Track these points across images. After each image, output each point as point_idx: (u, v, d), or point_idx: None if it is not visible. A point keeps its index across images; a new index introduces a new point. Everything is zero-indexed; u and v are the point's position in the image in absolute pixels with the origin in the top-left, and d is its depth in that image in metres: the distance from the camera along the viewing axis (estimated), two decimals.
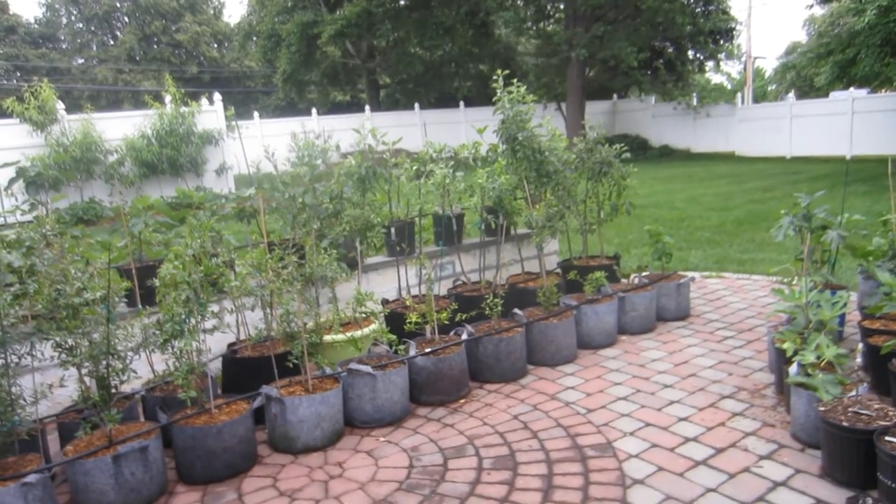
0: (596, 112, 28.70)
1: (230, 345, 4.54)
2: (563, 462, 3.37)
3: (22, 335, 3.42)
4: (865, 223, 5.13)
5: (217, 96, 16.49)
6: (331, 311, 4.49)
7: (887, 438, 2.75)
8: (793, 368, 3.46)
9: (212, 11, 45.19)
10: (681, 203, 13.00)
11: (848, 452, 2.92)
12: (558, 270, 6.23)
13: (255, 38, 32.30)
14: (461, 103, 26.55)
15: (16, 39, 41.87)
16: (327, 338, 4.31)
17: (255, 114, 24.61)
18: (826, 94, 27.31)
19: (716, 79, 38.49)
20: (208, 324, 3.81)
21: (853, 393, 3.15)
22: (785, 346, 3.55)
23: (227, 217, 5.44)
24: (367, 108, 25.91)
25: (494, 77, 5.38)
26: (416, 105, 26.22)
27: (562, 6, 25.87)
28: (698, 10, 26.23)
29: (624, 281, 5.85)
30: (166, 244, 5.45)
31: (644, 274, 5.95)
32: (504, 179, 5.27)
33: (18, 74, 41.11)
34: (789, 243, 7.43)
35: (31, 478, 3.03)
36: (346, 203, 4.70)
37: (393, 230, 5.21)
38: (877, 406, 3.07)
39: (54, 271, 3.47)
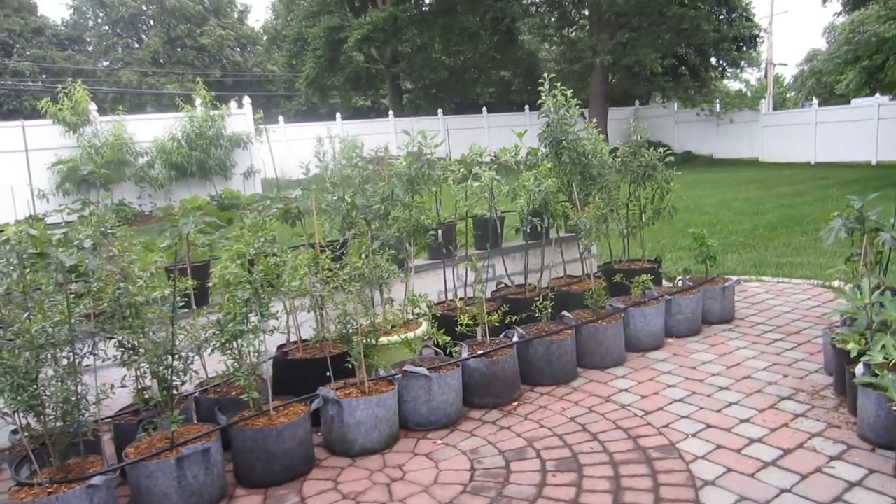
0: (618, 118, 28.63)
1: (280, 346, 4.57)
2: (628, 464, 3.35)
3: (86, 334, 3.46)
4: None
5: (246, 100, 16.64)
6: (386, 312, 4.50)
7: None
8: (859, 369, 3.42)
9: (236, 16, 45.70)
10: (711, 208, 12.92)
11: None
12: (600, 273, 6.21)
13: (279, 43, 32.54)
14: (484, 109, 26.57)
15: (42, 41, 42.60)
16: (382, 339, 4.33)
17: (280, 118, 24.78)
18: (847, 101, 27.03)
19: (734, 86, 38.25)
20: (268, 324, 3.84)
21: None
22: (849, 346, 3.52)
23: (272, 218, 5.49)
24: (391, 112, 26.01)
25: (541, 80, 5.40)
26: (440, 110, 26.28)
27: (586, 13, 25.86)
28: (722, 16, 26.11)
29: (667, 284, 5.82)
30: (211, 245, 5.53)
31: (688, 277, 5.92)
32: (550, 182, 5.27)
33: (44, 76, 41.79)
34: (828, 247, 7.36)
35: (96, 480, 3.02)
36: (397, 204, 4.72)
37: (440, 232, 5.23)
38: None
39: (116, 269, 3.51)
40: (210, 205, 5.90)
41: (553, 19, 25.52)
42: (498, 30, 25.95)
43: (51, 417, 3.24)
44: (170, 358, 3.51)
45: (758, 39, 28.01)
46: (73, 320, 3.31)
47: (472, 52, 26.41)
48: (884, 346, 3.33)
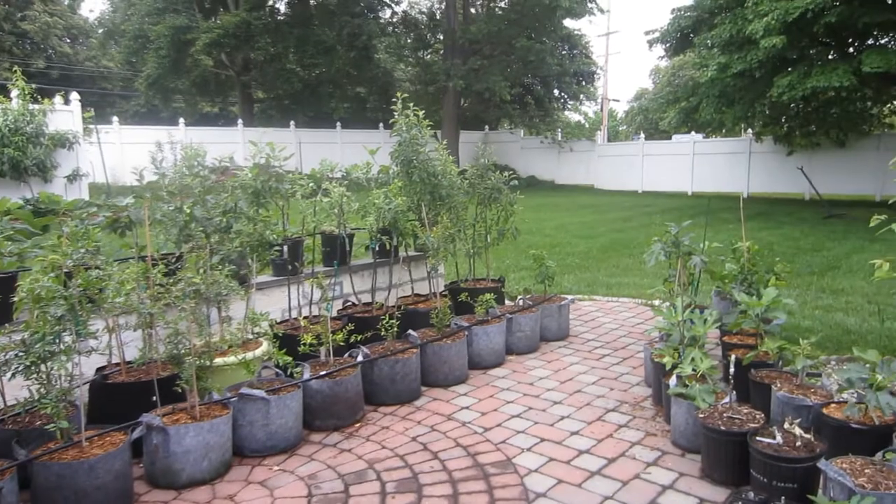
0: (469, 141, 29.63)
1: (100, 369, 4.17)
2: (466, 481, 3.41)
3: None
4: (723, 250, 5.73)
5: (74, 96, 15.13)
6: (223, 331, 4.26)
7: (758, 438, 3.07)
8: (672, 380, 3.76)
9: (67, 2, 41.66)
10: (551, 230, 13.71)
11: (725, 453, 3.24)
12: (446, 292, 6.33)
13: (117, 38, 30.13)
14: (338, 124, 26.36)
15: None
16: (218, 360, 4.08)
17: (115, 119, 22.89)
18: (669, 137, 30.12)
19: (574, 117, 41.35)
20: (86, 344, 3.48)
21: (725, 400, 3.49)
22: (665, 360, 3.86)
23: (98, 227, 5.02)
24: (240, 122, 24.98)
25: (394, 99, 5.43)
26: (292, 123, 25.67)
27: (441, 37, 26.63)
28: (564, 52, 28.06)
29: (509, 303, 6.06)
30: (20, 254, 4.93)
31: (528, 296, 6.20)
32: (400, 201, 5.31)
33: None
34: (649, 269, 8.07)
35: None
36: (240, 218, 4.50)
37: (286, 248, 5.06)
38: (746, 411, 3.43)
39: None
40: (24, 209, 5.26)
41: (409, 41, 26.01)
42: (354, 46, 25.95)
43: None
44: None
45: (595, 76, 30.43)
46: None
47: (327, 66, 26.16)
48: (693, 359, 3.68)
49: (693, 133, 24.46)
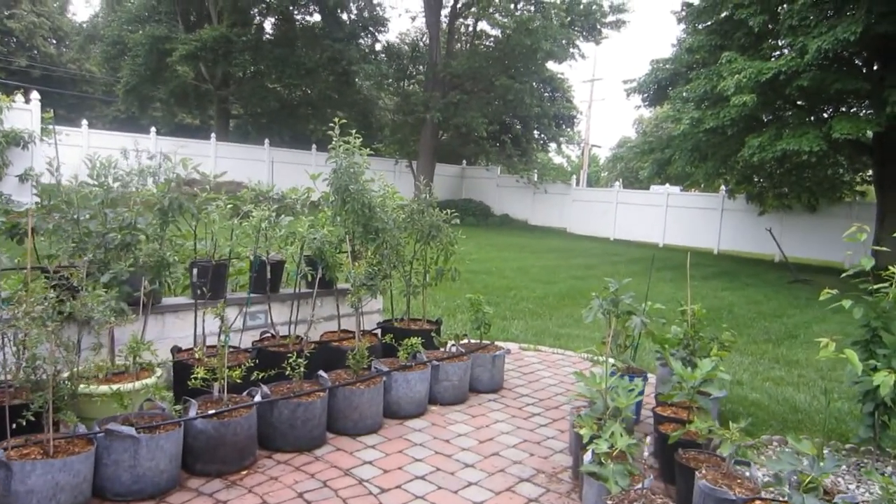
0: (446, 174, 29.55)
1: None
2: None
3: None
4: (666, 311, 5.42)
5: (35, 95, 14.69)
6: (96, 358, 3.83)
7: None
8: (587, 456, 3.41)
9: (56, 4, 41.28)
10: (511, 272, 13.41)
11: None
12: (377, 331, 5.96)
13: (97, 42, 29.80)
14: (314, 146, 26.09)
15: None
16: (87, 389, 3.65)
17: (84, 122, 22.38)
18: (647, 187, 30.29)
19: (557, 160, 41.59)
20: None
21: (640, 485, 3.13)
22: (582, 431, 3.50)
23: None
24: (213, 136, 24.60)
25: (331, 123, 5.12)
26: (266, 141, 25.35)
27: (422, 68, 26.67)
28: (546, 94, 28.22)
29: (441, 349, 5.69)
30: None
31: (462, 342, 5.84)
32: (327, 231, 4.96)
33: None
34: (602, 322, 7.78)
35: None
36: (140, 235, 4.11)
37: (196, 271, 4.67)
38: (659, 502, 3.06)
39: None
40: None
41: (391, 70, 26.00)
42: (335, 70, 25.86)
43: None
44: None
45: (575, 119, 30.61)
46: None
47: (308, 88, 25.96)
48: (611, 434, 3.33)
49: (668, 185, 24.56)
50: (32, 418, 3.21)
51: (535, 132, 29.81)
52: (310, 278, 5.16)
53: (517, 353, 7.08)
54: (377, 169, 6.24)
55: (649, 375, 5.65)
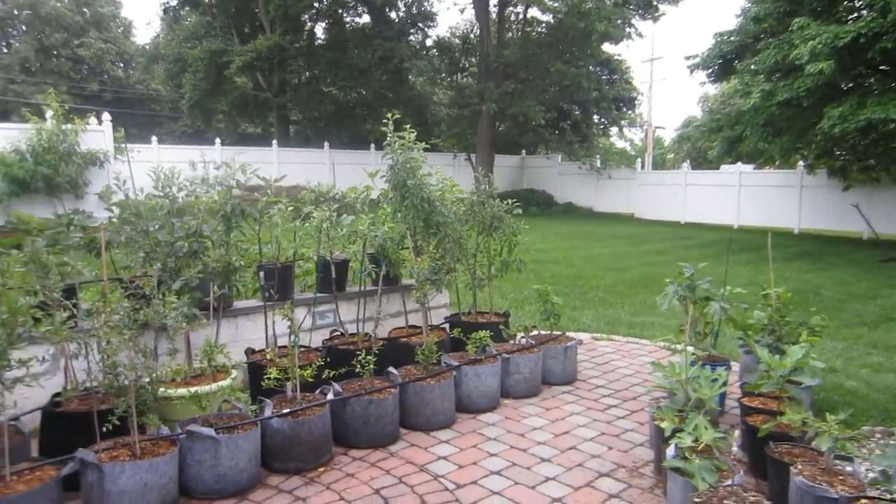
0: (505, 165, 29.28)
1: (55, 395, 3.88)
2: None
3: None
4: (747, 295, 5.13)
5: (106, 116, 15.37)
6: (171, 362, 3.92)
7: None
8: (670, 450, 3.24)
9: (120, 30, 43.30)
10: (579, 261, 13.14)
11: None
12: (445, 326, 5.90)
13: (160, 61, 31.08)
14: (372, 146, 26.35)
15: None
16: (169, 391, 3.74)
17: (154, 138, 23.34)
18: (717, 167, 29.15)
19: (620, 144, 40.58)
20: (13, 374, 3.18)
21: (729, 482, 2.94)
22: (663, 424, 3.33)
23: (73, 247, 4.79)
24: (275, 142, 25.21)
25: (384, 120, 5.09)
26: (326, 144, 25.78)
27: (475, 60, 26.50)
28: (604, 77, 27.54)
29: (511, 342, 5.59)
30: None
31: (532, 334, 5.72)
32: (388, 227, 4.93)
33: None
34: (678, 310, 7.48)
35: None
36: (206, 242, 4.19)
37: (262, 274, 4.73)
38: (752, 500, 2.87)
39: None
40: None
41: (444, 64, 25.93)
42: (387, 69, 26.03)
43: None
44: None
45: (636, 101, 29.77)
46: None
47: (363, 88, 26.26)
48: (695, 427, 3.15)
49: (739, 164, 23.54)
50: (118, 422, 3.30)
51: (595, 117, 29.15)
52: (374, 276, 5.14)
53: (590, 343, 6.90)
54: (435, 164, 6.22)
55: (732, 364, 5.37)
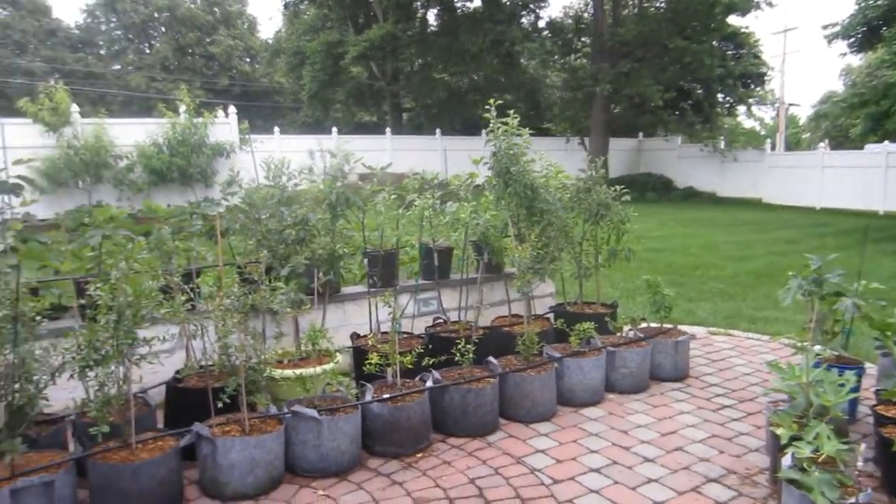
0: (621, 149, 28.30)
1: (177, 371, 4.18)
2: None
3: None
4: (888, 291, 4.62)
5: (232, 109, 16.42)
6: (284, 345, 4.11)
7: None
8: (786, 460, 2.97)
9: (246, 26, 45.97)
10: (697, 249, 12.47)
11: None
12: (549, 316, 5.79)
13: (281, 55, 32.68)
14: (483, 132, 26.35)
15: (55, 42, 42.92)
16: (276, 372, 3.92)
17: (276, 129, 24.60)
18: (861, 146, 26.58)
19: (748, 123, 37.90)
20: (141, 350, 3.44)
21: (854, 499, 2.66)
22: (779, 431, 3.07)
23: (196, 234, 5.12)
24: (388, 130, 25.82)
25: (486, 106, 5.02)
26: (438, 130, 26.06)
27: (588, 40, 25.70)
28: (729, 52, 25.83)
29: (617, 334, 5.38)
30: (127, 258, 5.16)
31: (640, 327, 5.48)
32: (489, 215, 4.87)
33: (57, 76, 42.07)
34: (805, 305, 6.91)
35: None
36: (312, 230, 4.33)
37: (366, 261, 4.83)
38: None
39: None
40: (127, 217, 5.53)
41: (555, 45, 25.32)
42: (499, 53, 25.82)
43: None
44: (15, 381, 3.15)
45: (765, 77, 27.70)
46: None
47: (475, 74, 26.27)
48: (817, 436, 2.88)
49: (887, 143, 21.35)
50: (228, 400, 3.50)
51: (719, 95, 27.43)
52: (476, 263, 5.12)
53: (705, 337, 6.52)
54: (547, 148, 6.10)
55: (868, 367, 4.87)
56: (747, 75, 26.43)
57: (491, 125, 5.10)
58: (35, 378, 3.21)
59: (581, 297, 5.90)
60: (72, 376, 3.29)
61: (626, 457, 3.86)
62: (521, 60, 27.54)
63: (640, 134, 29.97)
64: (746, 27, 26.64)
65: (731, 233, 15.16)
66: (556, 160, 5.95)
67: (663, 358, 5.21)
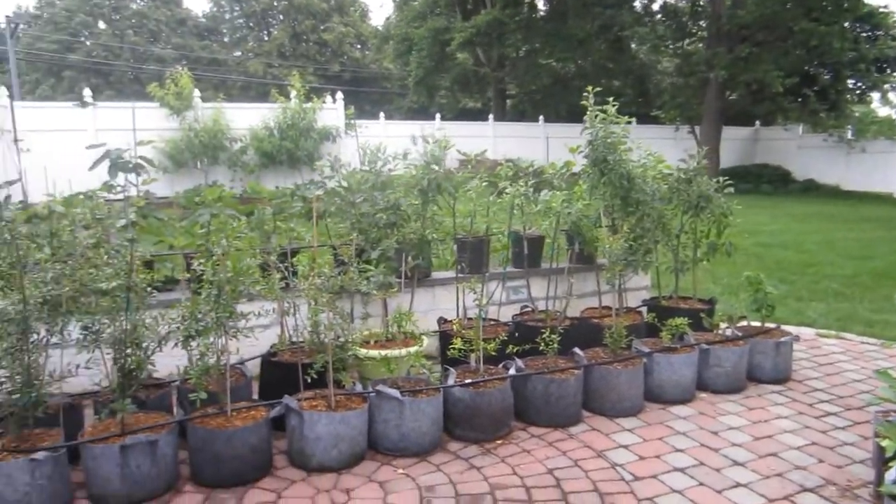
0: (734, 138, 26.85)
1: (272, 346, 4.42)
2: None
3: (56, 314, 3.40)
4: None
5: (339, 95, 16.97)
6: (370, 326, 4.24)
7: None
8: (890, 474, 2.76)
9: (357, 13, 47.28)
10: (812, 245, 11.66)
11: None
12: (642, 309, 5.62)
13: (390, 42, 33.36)
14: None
15: (184, 31, 46.06)
16: (361, 352, 4.06)
17: (381, 114, 25.19)
18: None
19: (883, 111, 34.70)
20: (238, 324, 3.67)
21: None
22: (885, 443, 2.85)
23: (295, 215, 5.36)
24: (491, 117, 25.80)
25: (584, 93, 4.91)
26: (541, 117, 25.73)
27: (704, 24, 24.41)
28: (864, 34, 23.76)
29: (714, 331, 5.15)
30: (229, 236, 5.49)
31: (739, 325, 5.21)
32: (582, 205, 4.79)
33: (183, 63, 45.22)
34: None
35: (39, 454, 3.04)
36: (403, 214, 4.43)
37: (455, 247, 4.89)
38: None
39: (91, 255, 3.46)
40: (235, 198, 5.87)
41: (668, 30, 24.22)
42: (607, 38, 25.08)
43: (7, 389, 3.23)
44: (128, 347, 3.45)
45: None
46: (31, 302, 3.25)
47: (581, 60, 25.70)
48: None
49: None
50: (316, 376, 3.66)
51: (849, 81, 25.31)
52: (568, 253, 5.05)
53: (812, 339, 6.12)
54: (653, 137, 5.90)
55: None
56: (883, 59, 24.20)
57: (588, 112, 4.99)
58: (144, 344, 3.50)
59: (676, 292, 5.69)
60: (176, 345, 3.55)
61: (715, 458, 3.71)
62: (631, 45, 26.63)
63: (757, 122, 28.25)
64: (885, 6, 24.36)
65: (852, 229, 14.04)
66: (663, 149, 5.77)
67: (763, 358, 4.94)
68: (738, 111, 26.25)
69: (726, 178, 5.34)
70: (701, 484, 3.42)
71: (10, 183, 3.83)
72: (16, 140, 12.10)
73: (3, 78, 32.46)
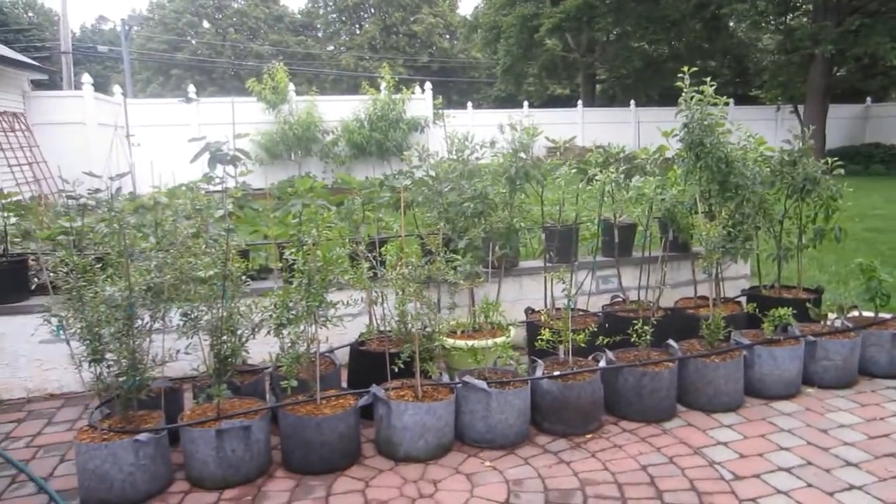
0: (842, 116, 25.05)
1: (361, 334, 4.50)
2: None
3: (159, 301, 3.57)
4: None
5: (427, 85, 17.11)
6: (457, 316, 4.24)
7: None
8: None
9: (446, 3, 47.52)
10: None
11: None
12: (741, 299, 5.34)
13: (478, 30, 33.29)
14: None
15: (281, 27, 47.92)
16: (448, 341, 4.07)
17: (469, 104, 25.22)
18: None
19: None
20: (328, 313, 3.76)
21: None
22: None
23: (384, 205, 5.44)
24: (580, 102, 25.26)
25: (680, 74, 4.68)
26: (632, 102, 24.94)
27: None
28: None
29: (821, 322, 4.82)
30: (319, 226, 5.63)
31: (850, 316, 4.85)
32: (676, 191, 4.58)
33: (280, 58, 47.06)
34: None
35: (142, 436, 3.21)
36: (490, 203, 4.40)
37: (543, 235, 4.81)
38: None
39: (191, 244, 3.63)
40: (325, 188, 6.01)
41: (770, 5, 22.76)
42: (703, 17, 23.91)
43: (114, 372, 3.43)
44: (223, 333, 3.59)
45: None
46: (135, 289, 3.43)
47: (675, 41, 24.69)
48: None
49: None
50: (403, 365, 3.69)
51: None
52: (661, 241, 4.86)
53: None
54: (753, 118, 5.57)
55: None
56: None
57: (683, 94, 4.77)
58: (239, 331, 3.63)
59: (779, 281, 5.37)
60: (269, 332, 3.65)
61: (824, 458, 3.47)
62: (729, 24, 25.30)
63: (868, 99, 26.20)
64: None
65: None
66: (764, 130, 5.48)
67: (877, 351, 4.58)
68: (845, 88, 24.46)
69: (840, 158, 4.96)
70: (809, 485, 3.21)
71: (121, 175, 4.07)
72: (128, 135, 12.94)
73: (118, 77, 34.86)
